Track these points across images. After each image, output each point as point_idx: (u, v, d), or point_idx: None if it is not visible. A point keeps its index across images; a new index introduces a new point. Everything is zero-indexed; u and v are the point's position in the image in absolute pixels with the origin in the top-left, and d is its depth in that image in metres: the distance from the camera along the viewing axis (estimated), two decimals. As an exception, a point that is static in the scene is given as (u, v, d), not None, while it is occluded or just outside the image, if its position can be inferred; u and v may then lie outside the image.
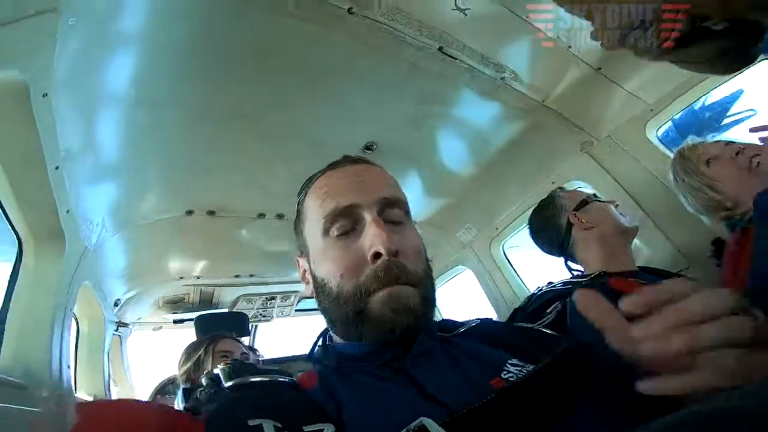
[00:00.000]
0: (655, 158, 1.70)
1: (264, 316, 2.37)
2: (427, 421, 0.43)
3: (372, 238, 0.59)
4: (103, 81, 1.01)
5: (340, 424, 0.49)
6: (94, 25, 0.91)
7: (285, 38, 1.19)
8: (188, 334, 2.25)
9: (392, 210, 0.65)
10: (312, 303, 2.60)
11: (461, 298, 2.62)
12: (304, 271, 0.72)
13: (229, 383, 0.55)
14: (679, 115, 1.82)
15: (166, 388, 2.42)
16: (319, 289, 0.65)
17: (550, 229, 1.43)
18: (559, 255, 1.44)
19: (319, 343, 0.72)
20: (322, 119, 1.48)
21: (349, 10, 1.20)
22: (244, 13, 1.08)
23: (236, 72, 1.20)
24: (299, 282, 2.28)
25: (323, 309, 0.66)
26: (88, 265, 1.26)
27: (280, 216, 1.78)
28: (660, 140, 1.76)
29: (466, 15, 1.36)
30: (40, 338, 1.02)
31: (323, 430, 0.46)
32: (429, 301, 0.63)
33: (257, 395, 0.53)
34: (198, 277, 1.90)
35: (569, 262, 1.40)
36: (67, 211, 1.04)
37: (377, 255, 0.59)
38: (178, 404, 1.84)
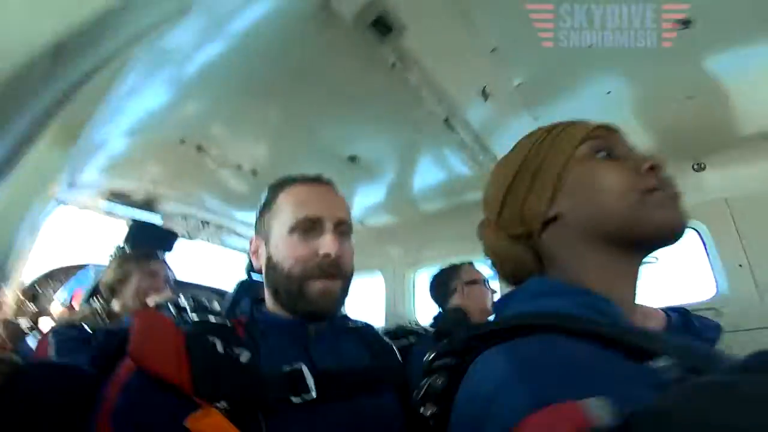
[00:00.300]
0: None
1: (189, 236, 2.51)
2: (304, 368, 0.69)
3: (329, 244, 0.80)
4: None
5: (253, 354, 0.72)
6: None
7: (339, 62, 1.40)
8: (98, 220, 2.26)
9: (343, 226, 0.86)
10: (233, 242, 2.77)
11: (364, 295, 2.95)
12: (257, 248, 0.90)
13: (194, 316, 0.76)
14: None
15: (55, 274, 2.42)
16: (272, 266, 0.84)
17: (442, 284, 1.82)
18: (435, 302, 1.87)
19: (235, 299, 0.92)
20: (325, 128, 1.73)
21: (393, 65, 1.39)
22: (319, 37, 1.28)
23: (285, 76, 1.43)
24: (236, 221, 2.45)
25: (271, 281, 0.85)
26: (78, 160, 1.35)
27: (254, 172, 1.94)
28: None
29: (486, 100, 1.61)
30: (17, 216, 1.14)
31: (242, 353, 0.70)
32: (346, 293, 0.86)
33: (211, 327, 0.73)
34: (154, 184, 1.99)
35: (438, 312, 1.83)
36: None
37: (326, 255, 0.79)
38: (65, 298, 1.90)
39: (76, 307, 2.01)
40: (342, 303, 0.86)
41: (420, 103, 1.57)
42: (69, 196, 1.81)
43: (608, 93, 1.54)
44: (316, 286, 0.79)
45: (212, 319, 0.75)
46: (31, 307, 2.17)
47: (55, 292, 2.26)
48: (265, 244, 0.87)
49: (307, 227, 0.82)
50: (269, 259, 0.85)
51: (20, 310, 1.94)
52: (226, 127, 1.68)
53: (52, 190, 1.65)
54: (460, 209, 2.26)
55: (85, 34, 0.61)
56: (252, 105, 1.59)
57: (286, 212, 0.85)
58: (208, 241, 2.62)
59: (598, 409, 0.30)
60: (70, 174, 1.66)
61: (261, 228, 0.90)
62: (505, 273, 0.65)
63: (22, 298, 2.16)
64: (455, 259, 1.97)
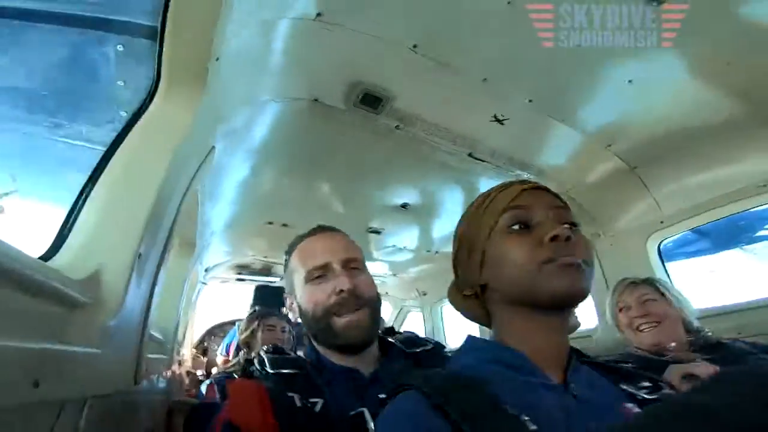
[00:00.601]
0: (644, 269, 1.89)
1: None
2: (365, 412, 0.74)
3: (339, 281, 0.88)
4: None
5: (325, 401, 0.80)
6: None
7: (350, 141, 1.67)
8: (236, 288, 3.03)
9: (352, 263, 0.93)
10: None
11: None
12: (291, 303, 1.00)
13: (272, 370, 0.87)
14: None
15: (214, 331, 3.18)
16: (303, 315, 0.94)
17: None
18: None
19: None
20: (372, 188, 2.02)
21: (396, 127, 1.59)
22: (324, 125, 1.56)
23: (316, 162, 1.77)
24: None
25: (307, 327, 0.94)
26: (200, 255, 1.93)
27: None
28: (661, 251, 1.95)
29: (503, 125, 1.66)
30: (174, 306, 1.70)
31: (318, 402, 0.79)
32: (375, 320, 0.92)
33: (288, 378, 0.85)
34: (265, 257, 2.54)
35: None
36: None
37: (341, 291, 0.87)
38: (223, 350, 2.47)
39: (231, 357, 2.58)
40: (374, 330, 0.93)
41: (438, 148, 1.71)
42: (209, 277, 2.45)
43: (629, 81, 1.44)
44: (341, 321, 0.88)
45: (286, 371, 0.87)
46: (203, 359, 2.90)
47: (217, 346, 2.98)
48: (295, 299, 0.98)
49: (319, 274, 0.91)
50: (299, 309, 0.96)
51: (196, 362, 2.62)
52: (296, 205, 2.11)
53: (195, 278, 2.29)
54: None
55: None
56: (309, 183, 1.97)
57: (299, 268, 0.95)
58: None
59: None
60: (202, 265, 2.27)
61: (289, 287, 1.01)
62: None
63: (196, 353, 2.91)
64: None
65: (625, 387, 0.64)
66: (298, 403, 0.78)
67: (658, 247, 1.94)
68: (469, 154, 1.76)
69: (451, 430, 0.49)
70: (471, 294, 0.68)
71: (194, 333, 3.11)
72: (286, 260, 1.03)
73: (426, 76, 1.40)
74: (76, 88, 0.97)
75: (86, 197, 0.79)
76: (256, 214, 2.08)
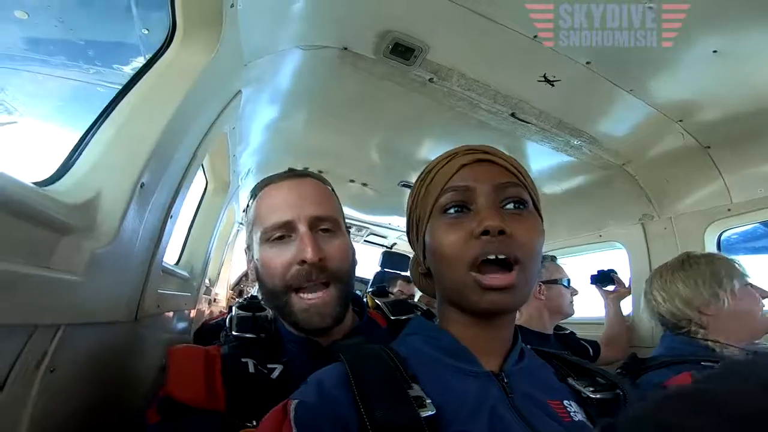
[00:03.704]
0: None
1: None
2: None
3: (302, 248, 0.72)
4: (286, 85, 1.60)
5: (286, 368, 0.73)
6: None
7: (381, 92, 1.58)
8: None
9: (323, 224, 0.75)
10: (375, 239, 3.25)
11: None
12: (250, 261, 0.83)
13: (235, 333, 0.79)
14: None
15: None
16: (260, 282, 0.78)
17: None
18: None
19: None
20: (407, 141, 1.95)
21: (430, 80, 1.49)
22: (354, 74, 1.49)
23: (347, 111, 1.73)
24: (371, 224, 2.93)
25: (263, 295, 0.80)
26: (234, 195, 2.03)
27: (364, 185, 2.35)
28: (721, 243, 1.73)
29: (553, 86, 1.51)
30: (204, 244, 1.82)
31: (276, 368, 0.72)
32: (346, 298, 0.77)
33: (249, 343, 0.77)
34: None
35: None
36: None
37: (302, 262, 0.71)
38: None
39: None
40: (343, 313, 0.76)
41: (477, 105, 1.59)
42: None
43: (714, 52, 1.24)
44: (301, 301, 0.73)
45: (249, 334, 0.79)
46: (239, 300, 3.08)
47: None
48: (253, 258, 0.81)
49: (279, 234, 0.74)
50: (257, 270, 0.79)
51: (231, 303, 2.80)
52: (331, 153, 2.11)
53: (231, 218, 2.42)
54: (569, 192, 2.13)
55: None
56: (342, 131, 1.94)
57: (259, 221, 0.77)
58: (354, 241, 3.20)
59: (294, 404, 0.48)
60: (240, 206, 2.39)
61: (248, 239, 0.83)
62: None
63: (232, 294, 3.11)
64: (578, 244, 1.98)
65: (572, 383, 0.60)
66: (252, 369, 0.71)
67: (719, 238, 1.72)
68: (512, 114, 1.62)
69: (353, 402, 0.48)
70: (425, 272, 0.65)
71: (232, 274, 3.28)
72: (248, 206, 0.85)
73: (464, 29, 1.27)
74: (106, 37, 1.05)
75: (96, 130, 0.81)
76: (290, 158, 2.11)
